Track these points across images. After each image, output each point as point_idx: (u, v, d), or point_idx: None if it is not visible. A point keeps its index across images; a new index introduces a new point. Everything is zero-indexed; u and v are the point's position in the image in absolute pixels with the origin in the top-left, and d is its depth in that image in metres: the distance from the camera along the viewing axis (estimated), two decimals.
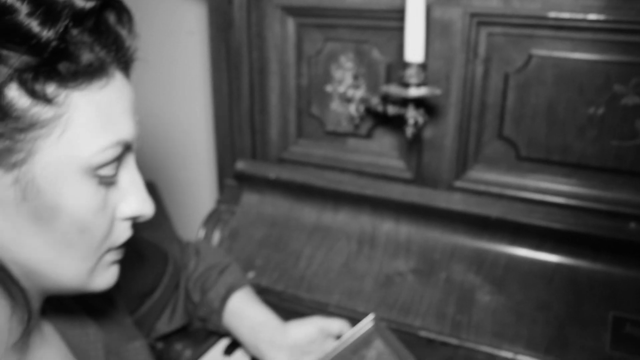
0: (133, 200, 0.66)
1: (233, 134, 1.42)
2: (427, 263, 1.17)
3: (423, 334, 1.08)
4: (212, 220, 1.39)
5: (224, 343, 1.17)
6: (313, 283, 1.19)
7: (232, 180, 1.45)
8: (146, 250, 1.07)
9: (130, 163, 0.66)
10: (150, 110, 1.81)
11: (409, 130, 1.09)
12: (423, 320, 1.10)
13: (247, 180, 1.37)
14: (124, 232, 0.67)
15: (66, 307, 0.77)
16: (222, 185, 1.49)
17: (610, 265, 1.09)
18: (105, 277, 0.68)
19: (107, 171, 0.60)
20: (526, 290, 1.09)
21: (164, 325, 1.11)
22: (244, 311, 1.06)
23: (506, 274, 1.12)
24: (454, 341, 1.07)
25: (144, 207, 0.67)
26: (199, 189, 1.90)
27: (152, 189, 1.99)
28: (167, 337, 1.13)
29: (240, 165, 1.36)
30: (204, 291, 1.10)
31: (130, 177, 0.66)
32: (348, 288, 1.16)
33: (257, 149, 1.42)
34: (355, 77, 1.24)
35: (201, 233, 1.37)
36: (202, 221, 1.41)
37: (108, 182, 0.62)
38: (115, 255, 0.68)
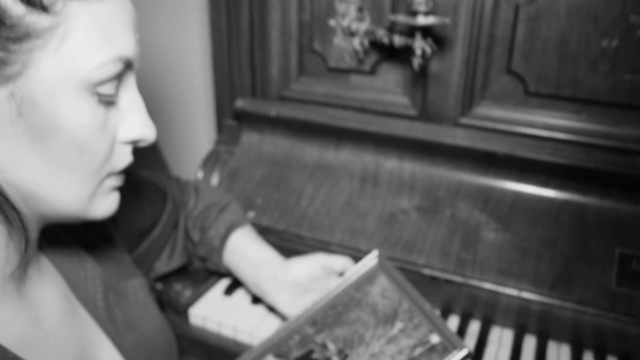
0: (134, 123, 0.63)
1: (232, 72, 1.38)
2: (432, 201, 1.14)
3: (427, 271, 1.07)
4: (211, 161, 1.36)
5: (224, 283, 1.17)
6: (315, 222, 1.17)
7: (231, 120, 1.41)
8: (144, 188, 1.05)
9: (131, 84, 0.63)
10: (145, 50, 1.76)
11: (416, 61, 1.05)
12: (427, 258, 1.08)
13: (246, 119, 1.33)
14: (124, 157, 0.65)
15: (64, 242, 0.75)
16: (220, 126, 1.45)
17: (618, 202, 1.07)
18: (106, 204, 0.66)
19: (107, 89, 0.58)
20: (532, 228, 1.08)
21: (163, 264, 1.10)
22: (245, 249, 1.05)
23: (512, 211, 1.10)
24: (458, 279, 1.05)
25: (146, 130, 0.65)
26: (196, 131, 1.86)
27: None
28: (166, 278, 1.12)
29: (240, 103, 1.32)
30: (203, 230, 1.08)
31: (131, 99, 0.63)
32: (351, 226, 1.14)
33: (257, 87, 1.38)
34: (360, 10, 1.19)
35: (199, 174, 1.35)
36: (200, 162, 1.38)
37: (108, 102, 0.59)
38: (115, 181, 0.66)
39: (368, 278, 0.97)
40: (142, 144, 0.66)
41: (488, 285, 1.04)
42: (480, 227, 1.09)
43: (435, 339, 0.84)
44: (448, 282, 1.06)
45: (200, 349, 1.06)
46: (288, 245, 1.16)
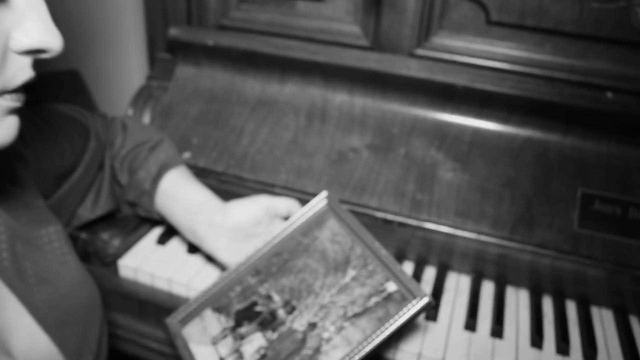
0: (31, 28, 0.52)
1: None
2: (384, 138, 1.05)
3: (379, 214, 0.98)
4: (142, 97, 1.23)
5: (157, 231, 1.06)
6: (257, 162, 1.06)
7: (164, 53, 1.27)
8: (63, 123, 0.92)
9: None
10: None
11: None
12: (380, 199, 1.00)
13: (181, 50, 1.20)
14: (21, 71, 0.53)
15: None
16: (152, 59, 1.31)
17: (581, 139, 1.01)
18: (0, 130, 0.54)
19: None
20: (492, 167, 1.00)
21: (87, 211, 0.98)
22: (179, 192, 0.94)
23: (471, 149, 1.02)
24: (413, 222, 0.98)
25: (47, 37, 0.53)
26: (125, 64, 1.70)
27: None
28: (92, 226, 1.01)
29: (174, 32, 1.18)
30: (132, 171, 0.96)
31: None
32: (296, 166, 1.04)
33: (192, 15, 1.24)
34: None
35: (129, 112, 1.21)
36: (130, 99, 1.24)
37: None
38: (11, 102, 0.54)
39: (316, 222, 0.88)
40: (44, 56, 0.55)
41: (445, 229, 0.96)
42: (437, 167, 1.01)
43: (392, 287, 0.76)
44: (402, 225, 0.98)
45: (131, 304, 0.96)
46: (228, 188, 1.05)
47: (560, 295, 0.97)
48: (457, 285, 0.98)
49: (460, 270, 1.01)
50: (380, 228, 0.98)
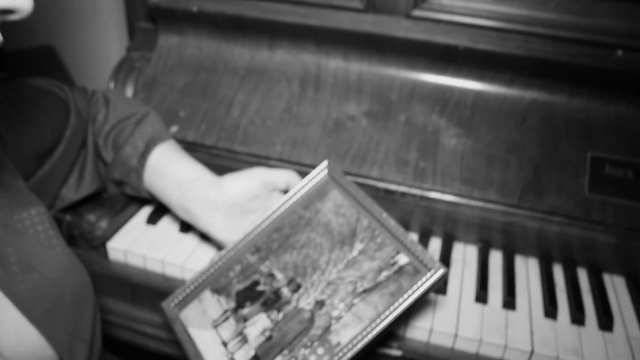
0: None
1: None
2: (383, 104, 1.00)
3: (381, 185, 0.94)
4: (123, 70, 1.16)
5: (146, 210, 1.00)
6: (249, 133, 1.00)
7: (144, 22, 1.20)
8: (40, 99, 0.86)
9: None
10: None
11: None
12: (381, 169, 0.95)
13: (163, 19, 1.12)
14: None
15: None
16: (132, 29, 1.24)
17: (589, 100, 0.96)
18: None
19: None
20: (497, 132, 0.96)
21: (71, 192, 0.93)
22: (169, 167, 0.88)
23: (474, 113, 0.97)
24: (417, 191, 0.93)
25: None
26: (104, 35, 1.61)
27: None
28: (77, 208, 0.95)
29: None
30: (118, 147, 0.90)
31: None
32: (291, 137, 0.99)
33: None
34: None
35: (110, 87, 1.14)
36: (111, 72, 1.17)
37: None
38: None
39: (318, 194, 0.82)
40: (13, 17, 0.48)
41: (451, 197, 0.92)
42: (440, 133, 0.96)
43: (403, 259, 0.71)
44: (405, 195, 0.93)
45: (123, 288, 0.90)
46: (219, 162, 1.00)
47: (570, 263, 0.93)
48: (464, 256, 0.94)
49: (466, 241, 0.96)
50: (383, 199, 0.94)
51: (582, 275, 0.92)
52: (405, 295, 0.68)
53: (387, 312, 0.68)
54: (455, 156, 0.94)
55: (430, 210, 0.93)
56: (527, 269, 0.93)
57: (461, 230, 0.95)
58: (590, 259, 0.93)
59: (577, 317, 0.83)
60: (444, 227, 0.96)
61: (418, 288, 0.68)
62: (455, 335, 0.79)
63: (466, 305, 0.84)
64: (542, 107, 0.96)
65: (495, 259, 0.94)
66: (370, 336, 0.67)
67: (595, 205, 0.91)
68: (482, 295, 0.85)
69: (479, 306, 0.84)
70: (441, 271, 0.68)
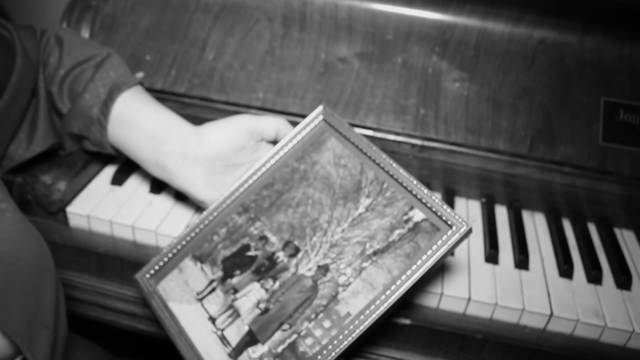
0: None
1: None
2: (378, 45, 0.89)
3: (380, 134, 0.84)
4: (77, 9, 1.01)
5: (110, 170, 0.87)
6: (227, 79, 0.88)
7: None
8: None
9: None
10: None
11: None
12: (378, 117, 0.85)
13: None
14: None
15: None
16: None
17: (602, 41, 0.88)
18: None
19: None
20: (504, 75, 0.86)
21: (21, 149, 0.80)
22: (138, 116, 0.76)
23: (478, 55, 0.88)
24: (417, 141, 0.84)
25: None
26: None
27: None
28: (29, 167, 0.82)
29: None
30: (75, 95, 0.77)
31: None
32: (275, 82, 0.87)
33: None
34: None
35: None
36: (62, 13, 1.02)
37: None
38: None
39: (313, 143, 0.72)
40: None
41: (455, 148, 0.83)
42: (441, 76, 0.87)
43: (418, 215, 0.62)
44: (405, 145, 0.84)
45: (88, 259, 0.79)
46: (192, 112, 0.88)
47: (580, 218, 0.86)
48: (468, 211, 0.86)
49: (468, 195, 0.88)
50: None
51: (592, 230, 0.85)
52: (425, 257, 0.58)
53: (403, 277, 0.58)
54: (459, 102, 0.85)
55: (432, 162, 0.84)
56: (535, 225, 0.85)
57: (462, 184, 0.87)
58: (599, 213, 0.86)
59: (594, 275, 0.76)
60: (444, 180, 0.87)
61: (439, 248, 0.59)
62: (469, 300, 0.71)
63: (476, 266, 0.76)
64: (551, 48, 0.88)
65: (501, 214, 0.86)
66: (385, 305, 0.57)
67: (610, 154, 0.83)
68: (492, 255, 0.77)
69: (489, 267, 0.76)
70: (464, 228, 0.59)
